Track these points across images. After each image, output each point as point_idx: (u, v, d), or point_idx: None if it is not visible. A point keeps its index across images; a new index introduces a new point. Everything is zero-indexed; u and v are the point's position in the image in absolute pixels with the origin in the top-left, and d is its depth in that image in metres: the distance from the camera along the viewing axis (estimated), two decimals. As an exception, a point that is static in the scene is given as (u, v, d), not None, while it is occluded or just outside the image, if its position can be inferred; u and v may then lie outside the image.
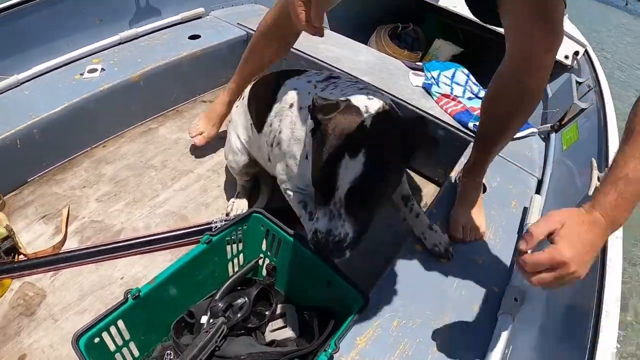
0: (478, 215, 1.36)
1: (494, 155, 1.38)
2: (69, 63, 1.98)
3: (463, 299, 1.16)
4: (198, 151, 1.94)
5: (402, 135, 0.91)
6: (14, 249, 1.51)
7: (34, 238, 1.57)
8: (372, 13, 3.07)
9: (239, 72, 1.73)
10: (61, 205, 1.68)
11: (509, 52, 1.14)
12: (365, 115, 0.93)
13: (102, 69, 1.92)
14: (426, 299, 1.14)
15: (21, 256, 1.51)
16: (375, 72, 1.96)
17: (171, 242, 1.53)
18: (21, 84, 1.88)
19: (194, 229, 1.55)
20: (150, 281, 1.03)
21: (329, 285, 1.07)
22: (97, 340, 0.95)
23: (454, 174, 1.54)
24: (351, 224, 0.90)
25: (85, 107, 1.76)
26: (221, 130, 1.91)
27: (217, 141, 1.92)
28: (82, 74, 1.89)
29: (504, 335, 1.05)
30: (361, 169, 0.86)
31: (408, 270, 1.21)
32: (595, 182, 1.27)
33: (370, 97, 1.00)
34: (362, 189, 0.87)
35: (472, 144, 1.68)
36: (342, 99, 0.98)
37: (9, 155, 1.64)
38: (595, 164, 1.34)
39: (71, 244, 1.55)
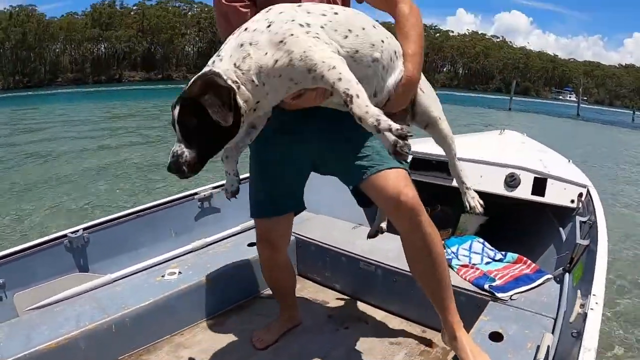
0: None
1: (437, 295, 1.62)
2: (151, 267, 2.43)
3: None
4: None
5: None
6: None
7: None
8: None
9: None
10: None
11: None
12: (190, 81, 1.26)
13: (179, 272, 2.33)
14: None
15: None
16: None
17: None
18: (114, 281, 2.31)
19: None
20: None
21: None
22: None
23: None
24: (185, 148, 1.21)
25: (167, 302, 2.13)
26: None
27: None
28: (163, 276, 2.30)
29: None
30: (178, 112, 1.21)
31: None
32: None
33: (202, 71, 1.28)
34: (182, 125, 1.22)
35: (490, 303, 1.93)
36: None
37: (107, 337, 1.95)
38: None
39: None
